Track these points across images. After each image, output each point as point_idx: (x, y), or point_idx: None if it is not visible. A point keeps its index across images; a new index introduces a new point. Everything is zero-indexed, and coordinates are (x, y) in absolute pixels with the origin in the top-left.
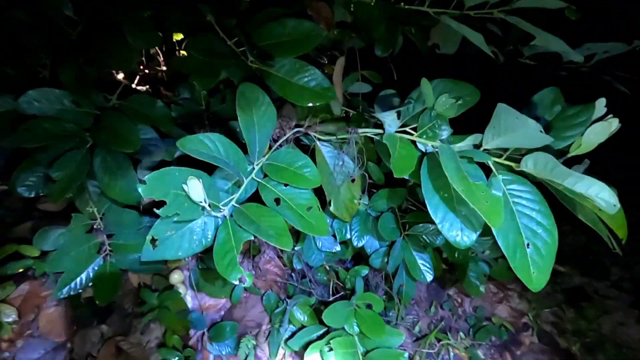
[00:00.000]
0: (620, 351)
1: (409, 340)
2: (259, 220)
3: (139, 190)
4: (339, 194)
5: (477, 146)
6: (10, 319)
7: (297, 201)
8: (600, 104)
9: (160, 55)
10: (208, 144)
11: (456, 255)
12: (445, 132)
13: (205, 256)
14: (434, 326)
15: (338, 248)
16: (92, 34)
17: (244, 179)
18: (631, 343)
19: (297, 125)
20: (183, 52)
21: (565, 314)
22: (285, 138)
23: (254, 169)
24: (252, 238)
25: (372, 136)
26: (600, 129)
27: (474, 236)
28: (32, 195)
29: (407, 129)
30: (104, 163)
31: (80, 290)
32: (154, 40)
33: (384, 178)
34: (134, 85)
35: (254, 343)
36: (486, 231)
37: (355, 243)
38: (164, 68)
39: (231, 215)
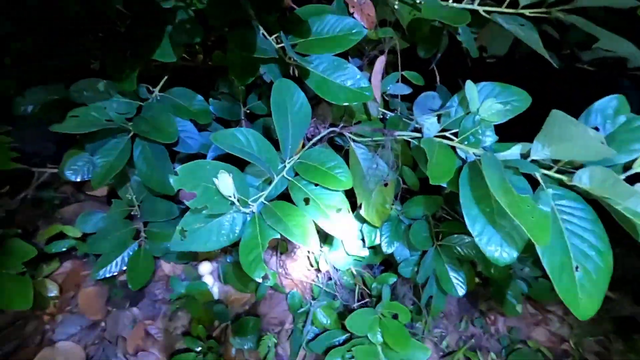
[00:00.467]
0: None
1: (435, 355)
2: (286, 219)
3: (171, 181)
4: (371, 198)
5: (524, 156)
6: (52, 294)
7: (327, 202)
8: None
9: (202, 50)
10: (241, 138)
11: (492, 271)
12: (490, 139)
13: (234, 250)
14: (463, 343)
15: (366, 253)
16: (139, 28)
17: (275, 176)
18: None
19: (332, 125)
20: (221, 49)
21: (612, 344)
22: (319, 137)
23: (285, 166)
24: (279, 236)
25: (409, 140)
26: None
27: (515, 253)
28: (79, 180)
29: (447, 134)
30: (143, 153)
31: (116, 273)
32: (196, 34)
33: (419, 184)
34: (176, 79)
35: (275, 341)
36: (528, 248)
37: (384, 249)
38: (207, 63)
39: (259, 212)
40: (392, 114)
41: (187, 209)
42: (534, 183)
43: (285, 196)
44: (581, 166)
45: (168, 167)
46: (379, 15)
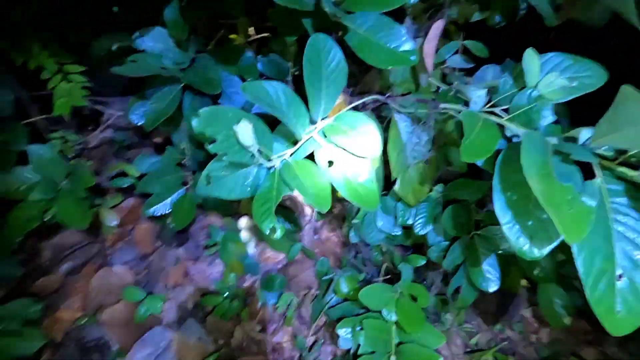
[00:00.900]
0: None
1: (460, 350)
2: (304, 178)
3: (193, 122)
4: (407, 174)
5: (584, 143)
6: (113, 224)
7: (351, 168)
8: None
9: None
10: (270, 91)
11: (535, 272)
12: (547, 118)
13: None
14: (495, 344)
15: (398, 232)
16: None
17: (302, 135)
18: None
19: (378, 94)
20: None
21: None
22: (360, 102)
23: (316, 128)
24: (292, 193)
25: (456, 115)
26: None
27: (547, 248)
28: (142, 124)
29: (497, 110)
30: (192, 103)
31: (165, 213)
32: None
33: (466, 166)
34: (232, 36)
35: (298, 301)
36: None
37: (416, 230)
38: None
39: (280, 168)
40: (446, 87)
41: None
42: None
43: (311, 159)
44: None
45: None
46: None
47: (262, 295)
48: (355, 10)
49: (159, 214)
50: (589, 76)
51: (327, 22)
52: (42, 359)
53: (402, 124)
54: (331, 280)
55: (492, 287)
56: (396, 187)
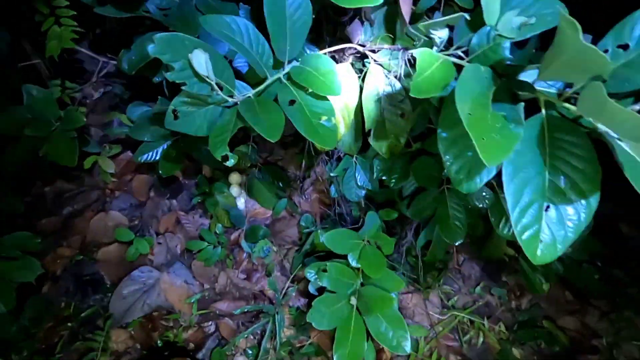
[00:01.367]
0: None
1: (437, 307)
2: (263, 115)
3: (148, 49)
4: (382, 126)
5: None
6: (110, 171)
7: (313, 109)
8: None
9: None
10: (233, 27)
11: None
12: (504, 57)
13: (263, 167)
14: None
15: (376, 187)
16: None
17: (268, 75)
18: None
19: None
20: None
21: None
22: (332, 49)
23: (283, 70)
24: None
25: None
26: None
27: (478, 181)
28: (133, 73)
29: (459, 52)
30: None
31: (156, 159)
32: None
33: None
34: None
35: (278, 251)
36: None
37: (391, 185)
38: None
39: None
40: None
41: None
42: None
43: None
44: None
45: None
46: None
47: (244, 245)
48: None
49: (150, 160)
50: (550, 14)
51: None
52: (43, 289)
53: (378, 75)
54: (311, 232)
55: (459, 240)
56: (370, 138)
